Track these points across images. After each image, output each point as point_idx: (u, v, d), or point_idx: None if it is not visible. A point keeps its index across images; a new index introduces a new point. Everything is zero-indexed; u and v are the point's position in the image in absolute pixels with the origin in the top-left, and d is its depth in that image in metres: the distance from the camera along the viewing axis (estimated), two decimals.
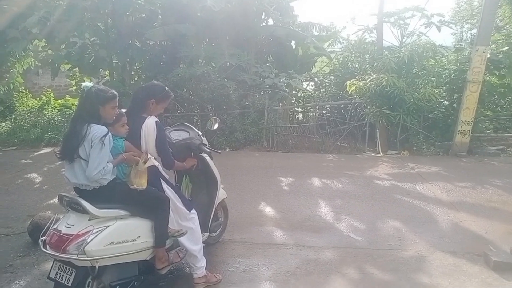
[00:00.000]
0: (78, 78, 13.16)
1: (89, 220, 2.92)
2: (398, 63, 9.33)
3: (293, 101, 11.64)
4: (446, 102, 9.90)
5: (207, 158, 4.01)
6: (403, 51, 9.71)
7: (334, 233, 4.86)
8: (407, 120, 9.13)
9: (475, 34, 10.52)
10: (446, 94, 9.98)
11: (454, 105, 9.63)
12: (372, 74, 9.64)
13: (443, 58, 10.82)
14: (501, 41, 9.59)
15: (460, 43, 19.94)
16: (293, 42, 12.86)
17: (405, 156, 9.04)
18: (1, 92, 13.06)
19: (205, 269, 3.57)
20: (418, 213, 5.51)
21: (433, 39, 10.74)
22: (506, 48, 9.27)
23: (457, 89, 9.51)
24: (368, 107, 9.66)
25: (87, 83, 3.08)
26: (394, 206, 5.75)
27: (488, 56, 8.74)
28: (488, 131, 9.96)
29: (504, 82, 9.53)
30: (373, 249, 4.42)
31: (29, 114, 12.23)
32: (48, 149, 9.60)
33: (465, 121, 8.90)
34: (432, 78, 9.94)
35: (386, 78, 8.94)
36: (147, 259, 3.22)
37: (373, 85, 9.18)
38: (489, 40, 8.91)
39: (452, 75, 9.71)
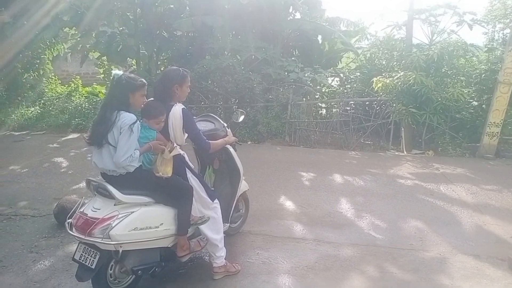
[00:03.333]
0: (106, 67, 13.38)
1: (114, 205, 2.98)
2: (427, 61, 9.15)
3: (317, 96, 11.56)
4: (475, 103, 9.66)
5: (231, 149, 4.04)
6: (433, 49, 9.51)
7: (355, 230, 4.83)
8: (433, 119, 8.97)
9: (507, 34, 10.21)
10: (475, 94, 9.74)
11: (483, 106, 9.41)
12: (399, 71, 9.50)
13: (474, 58, 10.54)
14: None
15: (492, 43, 19.39)
16: (319, 37, 12.74)
17: (430, 156, 8.90)
18: (31, 78, 13.41)
19: (224, 259, 3.60)
20: (442, 214, 5.42)
21: (464, 38, 10.51)
22: None
23: (487, 89, 9.29)
24: (394, 105, 9.52)
25: (117, 71, 3.15)
26: (417, 206, 5.67)
27: None
28: None
29: None
30: (394, 248, 4.37)
31: (57, 100, 12.52)
32: (75, 135, 9.84)
33: (494, 122, 8.68)
34: (462, 78, 9.73)
35: (414, 76, 8.80)
36: (169, 246, 3.28)
37: (400, 83, 9.05)
38: None
39: (483, 75, 9.48)
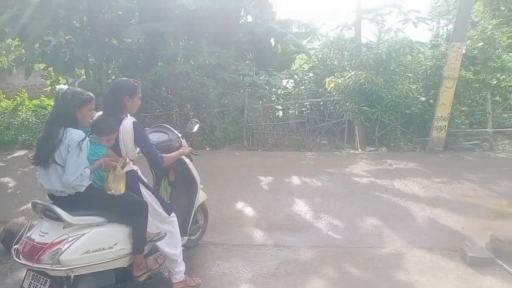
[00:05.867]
0: (53, 78, 12.86)
1: (64, 228, 2.85)
2: (376, 60, 9.43)
3: (273, 99, 11.64)
4: (423, 98, 10.08)
5: (187, 160, 3.98)
6: (381, 47, 9.83)
7: (314, 232, 4.89)
8: (385, 116, 9.26)
9: (451, 30, 10.69)
10: (423, 90, 10.15)
11: (431, 101, 9.82)
12: (350, 71, 9.74)
13: (420, 54, 10.96)
14: (476, 37, 9.77)
15: (437, 39, 20.33)
16: (272, 39, 12.84)
17: (383, 152, 9.17)
18: None
19: (184, 273, 3.53)
20: (396, 209, 5.59)
21: (410, 35, 11.01)
22: (481, 44, 9.45)
23: (433, 85, 9.67)
24: (347, 104, 9.74)
25: (62, 86, 3.03)
26: (373, 203, 5.82)
27: (464, 52, 8.90)
28: (463, 126, 10.16)
29: (479, 77, 9.72)
30: (352, 247, 4.46)
31: (2, 115, 11.87)
32: (22, 152, 9.38)
33: (441, 116, 9.06)
34: (409, 74, 10.10)
35: (364, 75, 9.04)
36: (125, 266, 3.16)
37: (351, 82, 9.27)
38: (465, 36, 9.08)
39: (429, 71, 9.88)
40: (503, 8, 16.34)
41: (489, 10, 16.63)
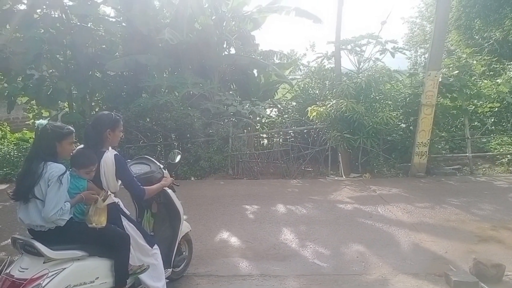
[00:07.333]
0: (36, 111, 12.78)
1: (44, 263, 2.81)
2: (356, 89, 9.65)
3: (257, 128, 11.74)
4: (403, 125, 10.29)
5: (169, 191, 3.97)
6: (361, 77, 10.07)
7: (300, 260, 4.87)
8: (367, 143, 9.39)
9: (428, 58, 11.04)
10: (403, 117, 10.37)
11: (411, 127, 10.03)
12: (332, 99, 9.93)
13: (399, 83, 11.25)
14: (451, 65, 10.12)
15: (415, 67, 21.00)
16: (255, 70, 13.07)
17: (366, 178, 9.26)
18: None
19: None
20: (381, 235, 5.62)
21: (389, 64, 11.25)
22: (457, 72, 9.78)
23: (412, 112, 9.90)
24: (330, 131, 9.87)
25: (41, 121, 3.04)
26: (358, 230, 5.84)
27: (440, 80, 9.18)
28: (444, 152, 10.38)
29: (456, 104, 10.01)
30: (338, 275, 4.45)
31: None
32: (3, 186, 9.20)
33: (421, 142, 9.25)
34: (389, 102, 10.32)
35: (345, 103, 9.22)
36: None
37: (333, 111, 9.45)
38: (440, 65, 9.39)
39: (408, 99, 10.13)
40: (476, 37, 16.98)
41: (463, 39, 17.25)
